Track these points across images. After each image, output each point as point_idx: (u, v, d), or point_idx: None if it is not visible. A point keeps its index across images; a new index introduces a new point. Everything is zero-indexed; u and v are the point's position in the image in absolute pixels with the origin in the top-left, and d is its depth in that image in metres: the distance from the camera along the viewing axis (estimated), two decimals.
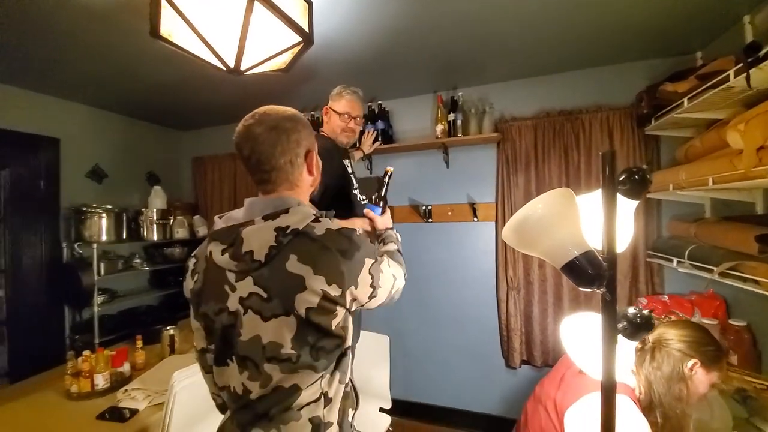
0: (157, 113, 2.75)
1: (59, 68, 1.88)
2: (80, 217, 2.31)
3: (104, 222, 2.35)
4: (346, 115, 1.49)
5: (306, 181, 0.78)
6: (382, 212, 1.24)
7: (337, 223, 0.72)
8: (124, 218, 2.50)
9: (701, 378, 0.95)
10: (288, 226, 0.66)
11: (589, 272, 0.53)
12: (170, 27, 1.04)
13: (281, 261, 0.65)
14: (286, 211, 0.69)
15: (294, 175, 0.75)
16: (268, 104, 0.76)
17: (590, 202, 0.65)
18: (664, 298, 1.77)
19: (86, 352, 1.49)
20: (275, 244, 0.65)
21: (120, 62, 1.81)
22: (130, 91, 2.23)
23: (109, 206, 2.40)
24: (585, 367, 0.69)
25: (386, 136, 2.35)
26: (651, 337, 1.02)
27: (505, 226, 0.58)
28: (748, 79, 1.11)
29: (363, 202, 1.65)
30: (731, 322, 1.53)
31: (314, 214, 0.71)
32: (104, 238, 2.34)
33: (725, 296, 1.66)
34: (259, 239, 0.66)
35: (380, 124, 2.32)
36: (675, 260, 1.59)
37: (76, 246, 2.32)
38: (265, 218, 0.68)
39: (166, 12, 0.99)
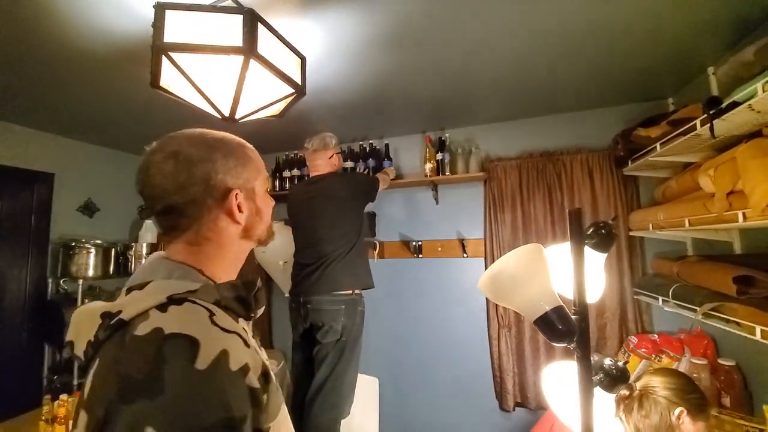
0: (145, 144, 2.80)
1: (59, 109, 1.94)
2: (68, 252, 2.28)
3: (92, 257, 2.32)
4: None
5: (228, 234, 0.57)
6: None
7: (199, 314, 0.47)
8: (113, 253, 2.48)
9: (689, 428, 0.95)
10: (118, 312, 0.46)
11: (559, 327, 0.55)
12: (169, 79, 1.10)
13: (92, 369, 0.45)
14: (144, 285, 0.49)
15: (202, 223, 0.55)
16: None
17: (561, 253, 0.68)
18: (654, 337, 1.77)
19: (63, 396, 1.44)
20: (92, 340, 0.46)
21: (120, 105, 1.88)
22: (128, 129, 2.29)
23: (99, 241, 2.38)
24: (565, 418, 0.69)
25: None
26: (638, 384, 1.02)
27: (481, 279, 0.61)
28: (712, 129, 1.19)
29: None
30: (720, 361, 1.53)
31: (179, 295, 0.47)
32: (91, 273, 2.30)
33: (713, 335, 1.67)
34: (79, 327, 0.48)
35: (371, 162, 2.39)
36: (660, 299, 1.61)
37: (61, 282, 2.28)
38: (128, 291, 0.50)
39: (166, 66, 1.05)
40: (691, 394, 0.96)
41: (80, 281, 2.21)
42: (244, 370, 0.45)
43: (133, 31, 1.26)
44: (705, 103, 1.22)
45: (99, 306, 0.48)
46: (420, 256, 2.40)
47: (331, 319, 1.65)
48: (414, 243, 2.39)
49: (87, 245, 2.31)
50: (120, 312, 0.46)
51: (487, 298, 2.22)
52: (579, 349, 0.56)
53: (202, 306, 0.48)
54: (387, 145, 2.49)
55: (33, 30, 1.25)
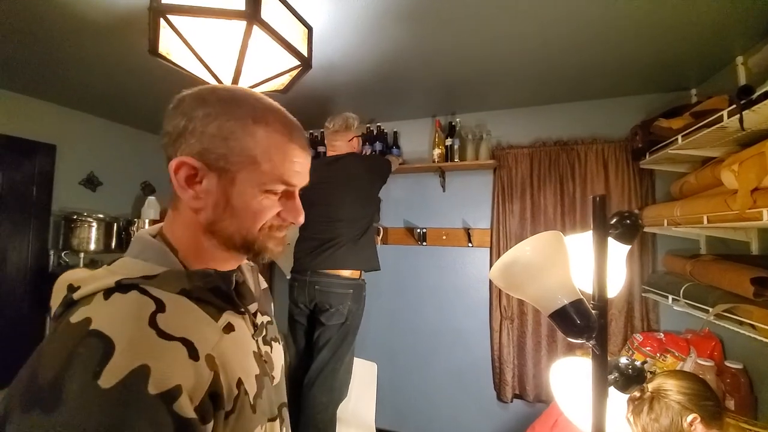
0: (157, 123, 2.75)
1: (58, 77, 1.88)
2: (70, 225, 2.27)
3: (94, 231, 2.32)
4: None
5: (186, 216, 0.48)
6: None
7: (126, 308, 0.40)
8: (115, 227, 2.46)
9: None
10: (77, 287, 0.41)
11: (578, 322, 0.50)
12: (168, 46, 1.04)
13: None
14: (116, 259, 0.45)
15: (179, 193, 0.46)
16: None
17: (581, 242, 0.63)
18: (659, 336, 1.73)
19: None
20: (57, 311, 0.42)
21: (119, 74, 1.82)
22: (130, 101, 2.24)
23: (101, 215, 2.36)
24: (574, 417, 0.65)
25: None
26: (650, 386, 0.98)
27: (493, 267, 0.56)
28: (741, 121, 1.12)
29: None
30: (727, 364, 1.49)
31: (129, 280, 0.41)
32: (93, 247, 2.29)
33: (721, 336, 1.62)
34: (54, 295, 0.43)
35: (378, 146, 2.33)
36: (670, 297, 1.56)
37: (63, 254, 2.27)
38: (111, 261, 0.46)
39: (164, 31, 0.99)
40: (707, 401, 0.92)
41: (81, 254, 2.20)
42: (170, 394, 0.35)
43: None
44: (736, 92, 1.14)
45: (72, 276, 0.43)
46: (424, 243, 2.35)
47: (339, 302, 1.64)
48: (419, 230, 2.35)
49: (89, 219, 2.30)
50: (79, 288, 0.40)
51: (490, 289, 2.19)
52: (597, 346, 0.52)
53: (152, 297, 0.41)
54: (396, 133, 2.42)
55: None
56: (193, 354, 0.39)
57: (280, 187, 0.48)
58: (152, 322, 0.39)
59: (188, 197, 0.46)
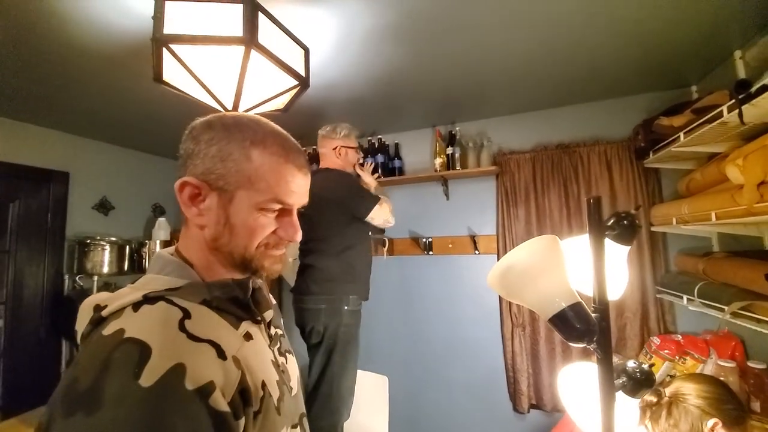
0: (165, 147, 2.83)
1: (69, 106, 1.96)
2: (84, 249, 2.33)
3: (107, 254, 2.37)
4: (356, 150, 1.78)
5: (194, 233, 0.51)
6: None
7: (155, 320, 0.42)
8: (127, 250, 2.52)
9: None
10: (104, 306, 0.44)
11: (577, 326, 0.50)
12: (172, 73, 1.09)
13: None
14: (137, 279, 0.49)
15: (184, 210, 0.50)
16: None
17: (579, 246, 0.63)
18: (677, 338, 1.67)
19: None
20: (85, 331, 0.44)
21: (127, 102, 1.89)
22: (138, 127, 2.31)
23: (113, 238, 2.42)
24: (584, 425, 0.64)
25: (386, 169, 2.37)
26: (667, 390, 0.95)
27: (489, 274, 0.56)
28: (740, 115, 1.11)
29: (368, 233, 1.78)
30: (750, 364, 1.44)
31: (155, 293, 0.44)
32: (106, 270, 2.34)
33: (741, 336, 1.57)
34: (79, 318, 0.46)
35: (380, 158, 2.35)
36: (685, 297, 1.53)
37: (77, 278, 2.32)
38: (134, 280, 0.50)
39: (167, 60, 1.03)
40: (728, 405, 0.89)
41: (95, 278, 2.25)
42: (206, 389, 0.38)
43: (135, 28, 1.25)
44: (734, 86, 1.13)
45: (96, 298, 0.46)
46: (430, 252, 2.35)
47: (312, 320, 1.54)
48: (424, 240, 2.35)
49: (102, 242, 2.36)
50: (106, 306, 0.43)
51: (500, 297, 2.16)
52: (599, 350, 0.51)
53: (178, 306, 0.43)
54: (397, 144, 2.45)
55: (39, 30, 1.25)
56: (221, 354, 0.41)
57: (276, 206, 0.50)
58: (182, 327, 0.41)
59: (192, 214, 0.49)
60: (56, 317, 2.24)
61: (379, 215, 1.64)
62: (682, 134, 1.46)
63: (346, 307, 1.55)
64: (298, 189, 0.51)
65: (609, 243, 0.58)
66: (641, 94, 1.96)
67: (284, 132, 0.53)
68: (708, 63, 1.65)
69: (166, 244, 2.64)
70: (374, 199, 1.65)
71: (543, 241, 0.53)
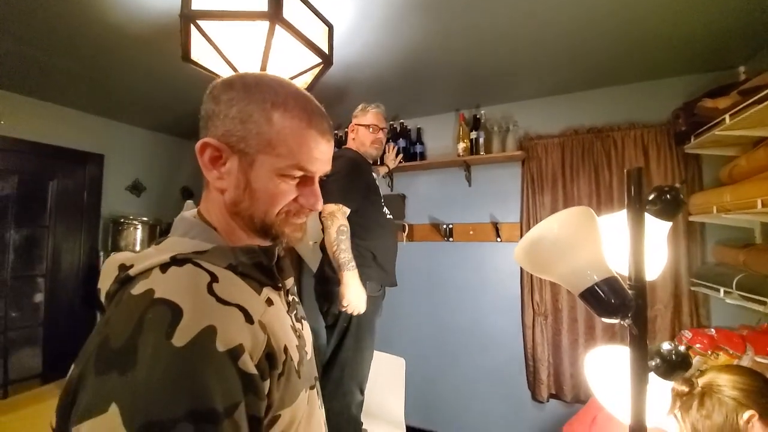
0: (193, 131, 2.91)
1: (104, 90, 2.04)
2: (118, 228, 2.44)
3: (139, 233, 2.48)
4: (373, 127, 1.62)
5: (214, 197, 0.50)
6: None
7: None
8: (158, 230, 2.62)
9: None
10: (130, 266, 0.43)
11: (611, 301, 0.48)
12: (199, 52, 1.10)
13: None
14: (165, 236, 0.50)
15: (205, 173, 0.49)
16: None
17: (616, 223, 0.60)
18: (711, 332, 1.59)
19: None
20: (111, 289, 0.44)
21: (157, 85, 1.95)
22: (167, 111, 2.38)
23: (145, 218, 2.53)
24: (612, 408, 0.62)
25: (408, 154, 2.35)
26: (701, 381, 0.91)
27: (517, 246, 0.54)
28: None
29: (388, 217, 1.66)
30: None
31: (183, 255, 0.44)
32: (138, 247, 2.46)
33: None
34: (103, 276, 0.46)
35: (402, 142, 2.33)
36: (722, 290, 1.45)
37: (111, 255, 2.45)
38: (158, 241, 0.50)
39: (195, 38, 1.05)
40: (766, 397, 0.84)
41: None
42: (236, 351, 0.38)
43: (165, 6, 1.28)
44: None
45: (121, 257, 0.45)
46: (451, 239, 2.32)
47: (327, 302, 1.53)
48: (445, 226, 2.32)
49: (134, 222, 2.47)
50: (132, 266, 0.43)
51: (521, 285, 2.12)
52: (634, 326, 0.49)
53: (206, 270, 0.43)
54: (419, 129, 2.41)
55: (74, 9, 1.29)
56: (249, 319, 0.42)
57: (297, 173, 0.48)
58: (210, 290, 0.41)
59: (213, 177, 0.48)
60: (91, 290, 2.37)
61: (331, 219, 1.43)
62: (727, 116, 1.36)
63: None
64: (321, 156, 0.50)
65: (649, 219, 0.55)
66: (681, 76, 1.84)
67: (308, 94, 0.50)
68: (757, 41, 1.53)
69: None
70: (338, 200, 1.46)
71: (576, 212, 0.51)
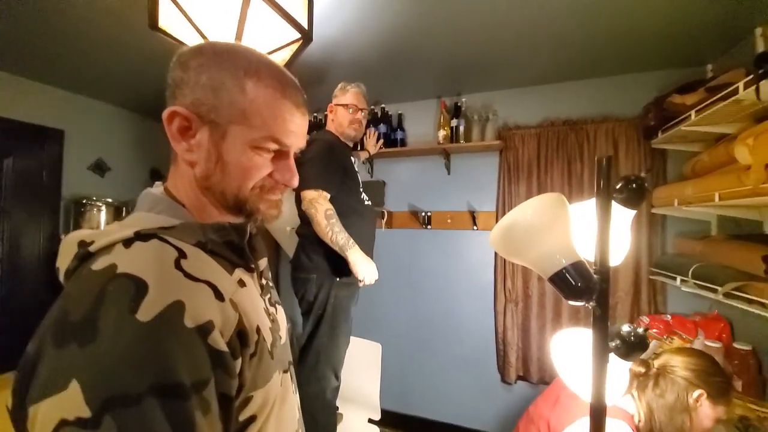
0: (161, 111, 2.76)
1: (65, 61, 1.89)
2: (80, 210, 2.31)
3: (103, 215, 2.36)
4: (352, 107, 1.57)
5: (183, 171, 0.48)
6: None
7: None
8: (124, 212, 2.50)
9: (707, 411, 0.90)
10: (91, 242, 0.40)
11: (578, 285, 0.49)
12: (168, 19, 1.03)
13: None
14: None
15: (173, 145, 0.46)
16: None
17: (584, 210, 0.62)
18: (666, 318, 1.71)
19: None
20: (70, 266, 0.41)
21: (125, 57, 1.82)
22: (134, 86, 2.24)
23: (110, 199, 2.40)
24: (575, 387, 0.65)
25: (388, 140, 2.33)
26: (656, 363, 0.97)
27: (492, 231, 0.55)
28: (757, 91, 1.07)
29: (366, 203, 1.64)
30: (736, 345, 1.47)
31: (148, 230, 0.41)
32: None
33: (730, 318, 1.60)
34: (62, 254, 0.43)
35: (382, 128, 2.30)
36: (678, 278, 1.54)
37: None
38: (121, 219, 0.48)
39: (164, 4, 0.98)
40: (714, 377, 0.91)
41: None
42: (206, 328, 0.36)
43: None
44: (755, 59, 1.09)
45: (81, 233, 0.43)
46: (429, 227, 2.34)
47: (302, 289, 1.52)
48: (423, 213, 2.34)
49: (98, 203, 2.34)
50: (93, 242, 0.40)
51: (495, 272, 2.18)
52: (598, 308, 0.51)
53: (173, 246, 0.41)
54: (401, 115, 2.39)
55: None
56: (219, 296, 0.40)
57: (272, 146, 0.46)
58: (178, 266, 0.39)
59: (182, 149, 0.46)
60: (53, 276, 2.25)
61: (314, 206, 1.40)
62: (693, 113, 1.42)
63: (338, 279, 1.50)
64: (296, 129, 0.47)
65: (615, 207, 0.57)
66: (654, 71, 1.90)
67: (280, 66, 0.48)
68: (725, 41, 1.59)
69: None
70: (317, 185, 1.42)
71: (549, 199, 0.52)
